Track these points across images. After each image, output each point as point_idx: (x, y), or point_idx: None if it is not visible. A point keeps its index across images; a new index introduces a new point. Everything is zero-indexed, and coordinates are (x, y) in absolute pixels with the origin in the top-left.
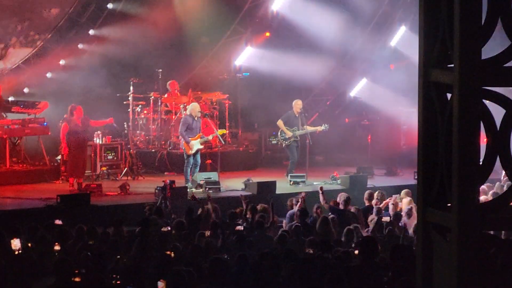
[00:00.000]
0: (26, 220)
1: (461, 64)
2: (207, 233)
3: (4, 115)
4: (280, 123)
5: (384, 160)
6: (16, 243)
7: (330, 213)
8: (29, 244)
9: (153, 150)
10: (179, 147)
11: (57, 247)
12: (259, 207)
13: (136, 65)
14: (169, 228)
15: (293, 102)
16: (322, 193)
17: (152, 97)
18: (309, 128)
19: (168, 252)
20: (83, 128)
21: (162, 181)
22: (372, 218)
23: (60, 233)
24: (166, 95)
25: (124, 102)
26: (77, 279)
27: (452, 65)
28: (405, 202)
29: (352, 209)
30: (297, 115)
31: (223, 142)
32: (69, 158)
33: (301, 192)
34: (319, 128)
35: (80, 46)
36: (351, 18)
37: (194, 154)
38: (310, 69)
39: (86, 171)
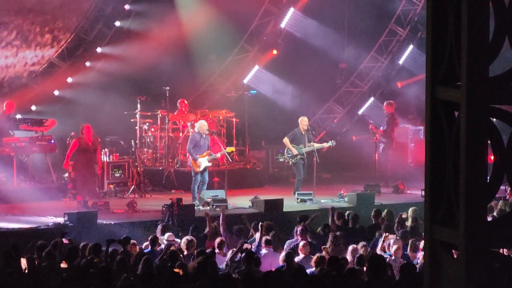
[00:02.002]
0: (34, 238)
1: (468, 82)
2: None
3: (12, 133)
4: (286, 140)
5: (391, 177)
6: (23, 262)
7: (337, 231)
8: (36, 262)
9: (160, 168)
10: (187, 165)
11: (63, 265)
12: (265, 224)
13: (143, 83)
14: (177, 246)
15: (299, 119)
16: (333, 213)
17: (160, 115)
18: (316, 145)
19: (177, 270)
20: (93, 147)
21: (169, 199)
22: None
23: (67, 251)
24: (175, 113)
25: (132, 120)
26: None
27: (460, 83)
28: (410, 222)
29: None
30: (303, 133)
31: (230, 160)
32: (78, 176)
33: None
34: (326, 145)
35: (87, 64)
36: (358, 37)
37: (202, 172)
38: (317, 87)
39: (95, 189)
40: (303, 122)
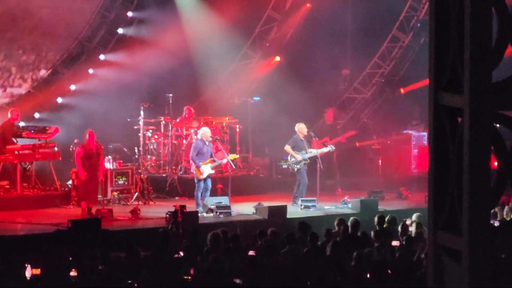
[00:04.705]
0: (37, 246)
1: (471, 87)
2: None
3: (15, 141)
4: (287, 148)
5: (395, 184)
6: (27, 270)
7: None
8: (40, 270)
9: (164, 175)
10: (190, 172)
11: (72, 273)
12: (269, 231)
13: (146, 90)
14: (181, 253)
15: (296, 126)
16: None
17: (163, 121)
18: (314, 151)
19: (185, 277)
20: (96, 153)
21: (173, 206)
22: (382, 242)
23: (71, 259)
24: (178, 120)
25: (135, 127)
26: None
27: (463, 89)
28: (415, 226)
29: (359, 234)
30: (303, 139)
31: (234, 167)
32: (81, 183)
33: None
34: (325, 150)
35: (90, 71)
36: (361, 42)
37: (205, 179)
38: (320, 93)
39: (97, 196)
40: (300, 127)
